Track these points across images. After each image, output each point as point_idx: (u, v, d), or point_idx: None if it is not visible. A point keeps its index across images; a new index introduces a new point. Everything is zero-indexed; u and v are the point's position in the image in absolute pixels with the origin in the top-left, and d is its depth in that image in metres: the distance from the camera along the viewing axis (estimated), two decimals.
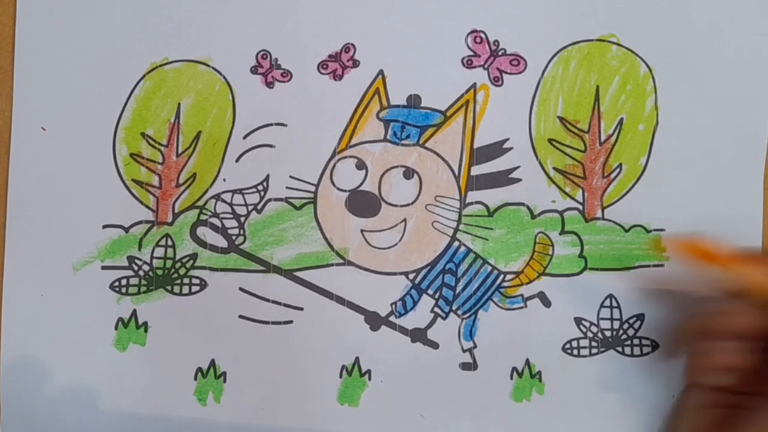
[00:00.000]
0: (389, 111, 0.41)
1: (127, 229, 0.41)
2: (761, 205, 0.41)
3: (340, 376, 0.41)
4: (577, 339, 0.41)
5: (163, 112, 0.41)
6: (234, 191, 0.41)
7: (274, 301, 0.41)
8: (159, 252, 0.41)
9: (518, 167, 0.41)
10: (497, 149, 0.41)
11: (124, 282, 0.40)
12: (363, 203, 0.41)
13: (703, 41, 0.42)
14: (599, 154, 0.42)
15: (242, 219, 0.41)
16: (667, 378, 0.41)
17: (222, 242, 0.41)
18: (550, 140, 0.41)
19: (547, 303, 0.41)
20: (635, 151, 0.42)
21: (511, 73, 0.42)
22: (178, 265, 0.41)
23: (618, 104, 0.42)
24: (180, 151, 0.41)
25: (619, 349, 0.41)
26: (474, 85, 0.41)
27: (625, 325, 0.41)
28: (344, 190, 0.41)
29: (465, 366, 0.41)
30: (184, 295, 0.41)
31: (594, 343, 0.41)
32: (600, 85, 0.42)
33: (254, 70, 0.41)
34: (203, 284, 0.41)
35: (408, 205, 0.41)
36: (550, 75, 0.42)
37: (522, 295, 0.41)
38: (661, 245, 0.40)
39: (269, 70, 0.41)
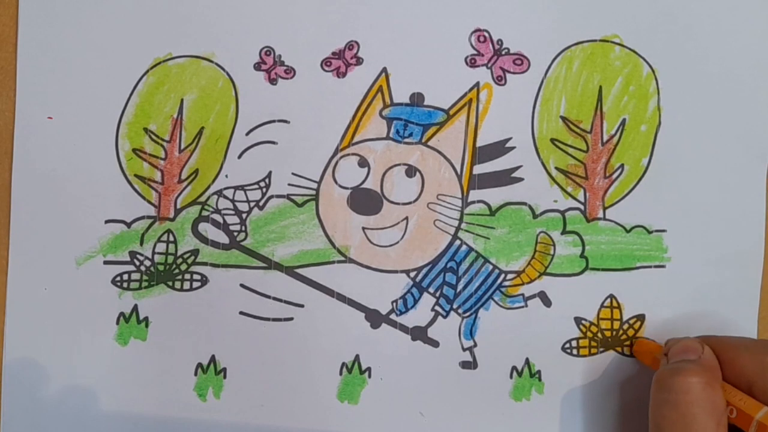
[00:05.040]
0: (392, 109, 0.41)
1: (129, 225, 0.41)
2: (763, 206, 0.42)
3: (340, 374, 0.41)
4: (577, 339, 0.42)
5: (165, 108, 0.41)
6: (236, 187, 0.41)
7: (274, 298, 0.41)
8: (160, 247, 0.41)
9: (520, 167, 0.41)
10: (500, 148, 0.41)
11: (125, 277, 0.41)
12: (365, 201, 0.41)
13: (707, 42, 0.42)
14: (601, 155, 0.42)
15: (244, 215, 0.41)
16: None
17: (223, 238, 0.41)
18: (552, 140, 0.41)
19: (547, 302, 0.41)
20: (637, 152, 0.42)
21: (514, 73, 0.42)
22: (179, 260, 0.41)
23: (620, 105, 0.42)
24: (182, 146, 0.41)
25: (619, 349, 0.42)
26: (477, 84, 0.41)
27: (626, 326, 0.41)
28: (346, 188, 0.41)
29: (465, 365, 0.41)
30: (185, 291, 0.41)
31: (593, 343, 0.42)
32: (603, 85, 0.42)
33: (258, 67, 0.41)
34: (204, 280, 0.41)
35: (410, 203, 0.41)
36: (553, 75, 0.42)
37: (523, 295, 0.41)
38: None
39: (272, 66, 0.41)
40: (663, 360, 0.37)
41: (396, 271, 0.41)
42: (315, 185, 0.41)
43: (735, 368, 0.35)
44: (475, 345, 0.41)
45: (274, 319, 0.41)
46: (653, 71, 0.42)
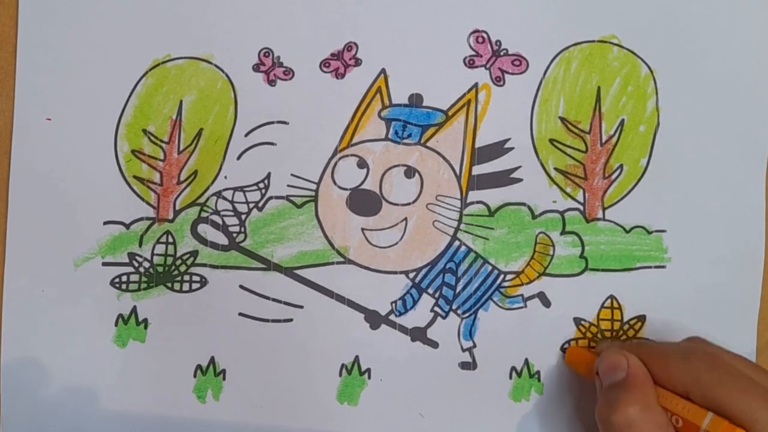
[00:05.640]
0: (391, 110, 0.41)
1: (127, 226, 0.41)
2: (763, 206, 0.42)
3: (340, 375, 0.41)
4: (576, 339, 0.41)
5: (164, 109, 0.41)
6: (235, 189, 0.41)
7: (274, 299, 0.41)
8: (159, 249, 0.41)
9: (519, 167, 0.41)
10: (498, 149, 0.41)
11: (124, 278, 0.40)
12: (364, 202, 0.41)
13: (705, 43, 0.42)
14: (600, 155, 0.42)
15: (243, 216, 0.41)
16: None
17: (223, 239, 0.41)
18: (551, 140, 0.41)
19: (546, 303, 0.41)
20: (636, 152, 0.42)
21: (512, 74, 0.42)
22: (178, 262, 0.41)
23: (619, 105, 0.42)
24: (181, 148, 0.41)
25: None
26: (476, 85, 0.41)
27: (626, 326, 0.41)
28: (345, 189, 0.41)
29: (464, 365, 0.41)
30: (185, 292, 0.41)
31: (592, 344, 0.41)
32: (601, 86, 0.42)
33: (256, 68, 0.41)
34: (203, 281, 0.41)
35: (409, 204, 0.41)
36: (551, 75, 0.42)
37: (522, 295, 0.41)
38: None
39: (271, 68, 0.41)
40: (597, 381, 0.37)
41: (395, 272, 0.41)
42: (314, 186, 0.41)
43: (668, 375, 0.35)
44: (475, 346, 0.41)
45: (274, 321, 0.41)
46: (651, 72, 0.42)
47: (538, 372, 0.41)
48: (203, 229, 0.41)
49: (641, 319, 0.41)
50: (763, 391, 0.33)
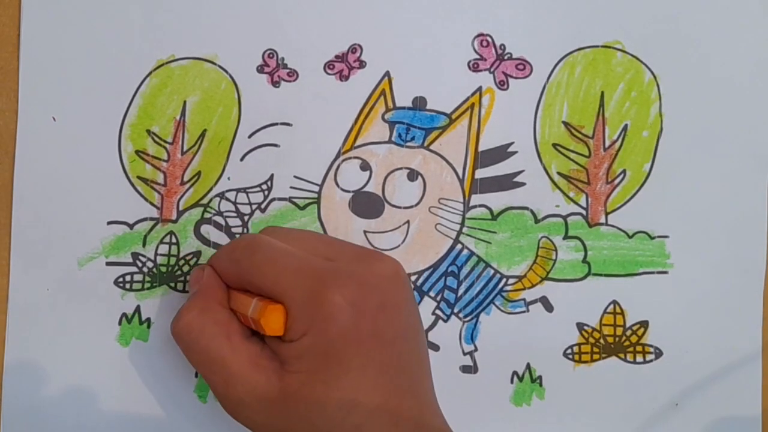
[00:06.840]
0: (395, 113, 0.41)
1: (131, 226, 0.41)
2: (765, 212, 0.42)
3: None
4: (579, 344, 0.41)
5: (168, 110, 0.41)
6: (238, 190, 0.41)
7: None
8: (163, 249, 0.41)
9: (522, 171, 0.41)
10: (502, 153, 0.41)
11: (128, 278, 0.40)
12: (366, 204, 0.41)
13: (708, 49, 0.42)
14: (603, 160, 0.42)
15: (246, 218, 0.41)
16: (670, 385, 0.41)
17: (225, 240, 0.41)
18: (554, 145, 0.42)
19: (549, 308, 0.41)
20: (639, 158, 0.42)
21: (516, 78, 0.42)
22: (181, 262, 0.41)
23: (622, 110, 0.42)
24: (185, 148, 0.41)
25: (622, 355, 0.41)
26: (479, 89, 0.41)
27: (628, 332, 0.41)
28: (348, 191, 0.41)
29: (465, 369, 0.41)
30: (187, 292, 0.41)
31: (596, 349, 0.41)
32: (605, 91, 0.42)
33: (260, 69, 0.41)
34: None
35: (411, 207, 0.41)
36: (555, 80, 0.42)
37: (524, 300, 0.41)
38: None
39: (275, 69, 0.41)
40: None
41: None
42: (317, 188, 0.41)
43: (222, 275, 0.35)
44: (476, 349, 0.41)
45: None
46: (655, 77, 0.42)
47: (540, 377, 0.41)
48: (206, 229, 0.41)
49: (644, 324, 0.41)
50: (297, 262, 0.32)
